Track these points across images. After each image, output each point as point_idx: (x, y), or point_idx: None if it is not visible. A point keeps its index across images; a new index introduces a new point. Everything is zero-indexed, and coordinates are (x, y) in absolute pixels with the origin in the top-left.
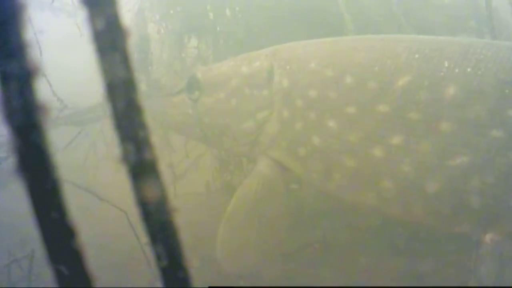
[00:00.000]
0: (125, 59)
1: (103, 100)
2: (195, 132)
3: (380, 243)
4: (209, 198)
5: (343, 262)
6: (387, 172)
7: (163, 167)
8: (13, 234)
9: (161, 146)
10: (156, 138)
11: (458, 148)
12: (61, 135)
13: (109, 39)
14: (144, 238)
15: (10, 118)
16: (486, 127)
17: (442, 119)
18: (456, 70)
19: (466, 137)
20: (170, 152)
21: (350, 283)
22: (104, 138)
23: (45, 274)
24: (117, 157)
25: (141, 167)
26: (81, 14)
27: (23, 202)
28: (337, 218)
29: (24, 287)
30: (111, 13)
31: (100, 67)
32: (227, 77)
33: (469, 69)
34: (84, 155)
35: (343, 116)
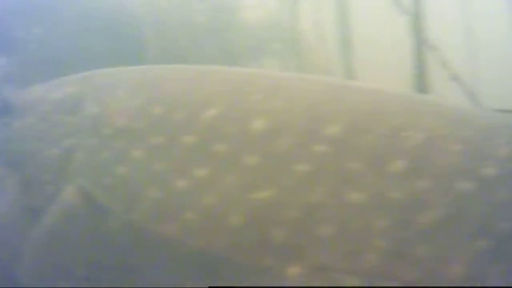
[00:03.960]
0: None
1: None
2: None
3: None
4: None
5: None
6: (190, 204)
7: None
8: None
9: None
10: None
11: (262, 181)
12: None
13: None
14: None
15: None
16: (292, 161)
17: (248, 152)
18: (266, 104)
19: (271, 171)
20: None
21: None
22: None
23: None
24: None
25: None
26: None
27: None
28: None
29: None
30: None
31: None
32: (38, 102)
33: (279, 103)
34: None
35: (149, 146)
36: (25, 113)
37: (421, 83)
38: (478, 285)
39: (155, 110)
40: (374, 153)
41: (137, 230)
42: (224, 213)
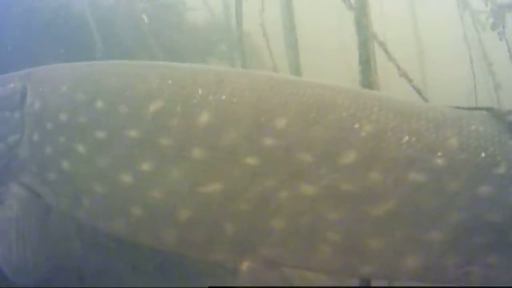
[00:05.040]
0: None
1: None
2: None
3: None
4: None
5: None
6: (136, 198)
7: None
8: None
9: None
10: None
11: (211, 175)
12: None
13: None
14: None
15: None
16: (240, 155)
17: (194, 145)
18: (210, 97)
19: (219, 164)
20: None
21: None
22: None
23: None
24: None
25: None
26: None
27: None
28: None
29: None
30: None
31: None
32: None
33: (223, 97)
34: None
35: (93, 141)
36: None
37: (367, 79)
38: (433, 276)
39: (98, 105)
40: (324, 145)
41: (83, 226)
42: (171, 208)
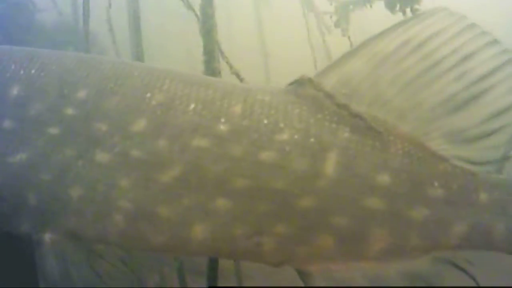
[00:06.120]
0: None
1: None
2: None
3: None
4: None
5: None
6: None
7: None
8: None
9: None
10: None
11: (18, 145)
12: None
13: None
14: None
15: None
16: (45, 125)
17: (4, 117)
18: (21, 72)
19: (26, 135)
20: None
21: None
22: None
23: None
24: None
25: None
26: None
27: None
28: None
29: None
30: None
31: None
32: None
33: (33, 71)
34: None
35: None
36: None
37: (211, 69)
38: (224, 248)
39: None
40: (119, 114)
41: None
42: None
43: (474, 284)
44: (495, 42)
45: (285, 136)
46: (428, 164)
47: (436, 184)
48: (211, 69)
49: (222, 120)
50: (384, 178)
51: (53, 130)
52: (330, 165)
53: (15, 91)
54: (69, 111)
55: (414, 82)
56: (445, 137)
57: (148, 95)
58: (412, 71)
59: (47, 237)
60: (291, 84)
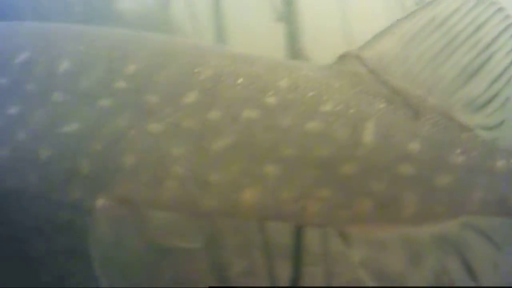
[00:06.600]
0: None
1: None
2: None
3: None
4: None
5: None
6: (3, 140)
7: None
8: None
9: None
10: None
11: (69, 116)
12: None
13: None
14: None
15: None
16: (95, 97)
17: (54, 90)
18: (70, 48)
19: (76, 107)
20: None
21: None
22: None
23: None
24: None
25: None
26: None
27: None
28: None
29: None
30: None
31: None
32: None
33: (81, 47)
34: None
35: None
36: None
37: None
38: (271, 211)
39: None
40: (169, 87)
41: None
42: (34, 149)
43: (497, 252)
44: (501, 10)
45: (328, 107)
46: (453, 133)
47: (458, 151)
48: None
49: (270, 93)
50: (415, 146)
51: (105, 102)
52: (368, 134)
53: (64, 65)
54: (120, 84)
55: (437, 57)
56: (466, 107)
57: (197, 69)
58: (435, 47)
59: (100, 203)
60: (337, 58)
